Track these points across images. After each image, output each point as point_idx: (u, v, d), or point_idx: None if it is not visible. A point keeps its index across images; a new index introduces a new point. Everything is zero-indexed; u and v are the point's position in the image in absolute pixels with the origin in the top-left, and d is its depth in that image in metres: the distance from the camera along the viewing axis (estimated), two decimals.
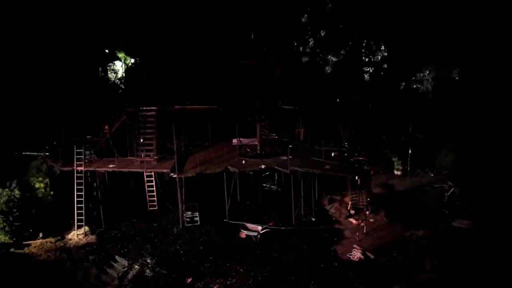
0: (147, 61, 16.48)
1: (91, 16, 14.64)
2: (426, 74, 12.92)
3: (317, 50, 13.10)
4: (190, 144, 14.70)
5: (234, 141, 14.24)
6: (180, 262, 10.39)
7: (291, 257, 10.52)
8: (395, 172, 15.40)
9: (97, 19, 14.85)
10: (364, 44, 12.93)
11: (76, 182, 11.87)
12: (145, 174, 12.95)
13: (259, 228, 11.67)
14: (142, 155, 12.82)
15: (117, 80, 17.35)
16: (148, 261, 10.41)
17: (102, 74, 17.07)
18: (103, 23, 15.03)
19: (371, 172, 12.80)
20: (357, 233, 11.29)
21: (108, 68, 17.39)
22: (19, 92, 13.13)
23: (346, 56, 12.89)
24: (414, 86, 13.03)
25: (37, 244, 10.87)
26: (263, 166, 12.61)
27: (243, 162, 12.83)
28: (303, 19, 13.11)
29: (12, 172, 11.85)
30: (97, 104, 14.74)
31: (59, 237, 11.30)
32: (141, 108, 13.30)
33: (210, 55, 15.31)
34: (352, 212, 12.66)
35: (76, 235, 11.52)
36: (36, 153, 12.66)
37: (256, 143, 13.95)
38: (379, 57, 12.87)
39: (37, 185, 11.94)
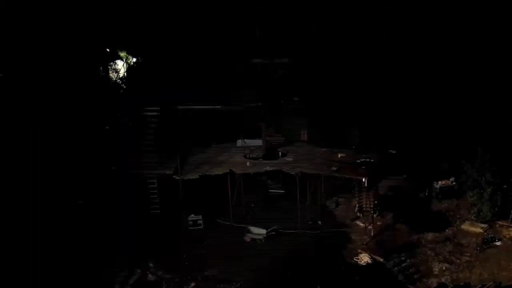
0: (150, 60, 16.36)
1: (92, 15, 14.55)
2: None
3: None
4: (193, 145, 14.66)
5: (239, 142, 14.11)
6: (183, 266, 10.12)
7: (297, 261, 10.25)
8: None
9: (98, 17, 14.75)
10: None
11: None
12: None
13: (264, 231, 11.51)
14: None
15: (119, 80, 17.15)
16: (151, 265, 10.19)
17: (103, 73, 16.88)
18: (104, 21, 14.92)
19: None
20: (364, 236, 11.04)
21: (109, 67, 17.20)
22: (17, 91, 13.01)
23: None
24: None
25: None
26: (268, 168, 12.44)
27: (248, 163, 12.63)
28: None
29: None
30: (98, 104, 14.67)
31: None
32: (143, 108, 13.27)
33: (214, 53, 15.24)
34: (359, 215, 12.40)
35: None
36: None
37: (261, 144, 13.73)
38: None
39: None
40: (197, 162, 12.68)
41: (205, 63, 14.99)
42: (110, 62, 17.44)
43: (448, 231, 11.16)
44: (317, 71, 14.34)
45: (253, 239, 11.30)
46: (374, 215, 11.89)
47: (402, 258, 10.04)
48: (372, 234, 11.15)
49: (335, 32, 13.59)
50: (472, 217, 11.56)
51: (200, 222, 12.09)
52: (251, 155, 13.34)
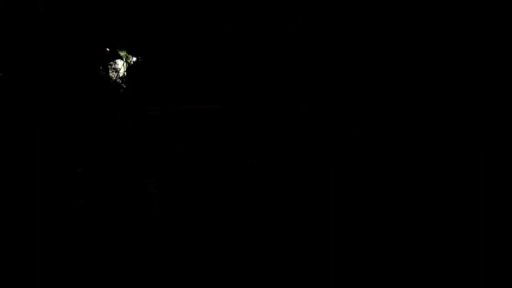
0: (150, 60, 16.40)
1: (92, 14, 14.57)
2: None
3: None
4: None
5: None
6: None
7: None
8: None
9: (98, 17, 14.78)
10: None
11: None
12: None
13: None
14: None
15: (119, 79, 17.17)
16: None
17: (103, 73, 16.91)
18: (104, 21, 14.95)
19: None
20: None
21: (109, 67, 17.23)
22: (17, 91, 13.03)
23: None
24: None
25: None
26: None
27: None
28: None
29: None
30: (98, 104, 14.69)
31: None
32: (143, 108, 13.39)
33: (214, 53, 15.30)
34: None
35: None
36: None
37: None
38: None
39: None
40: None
41: (205, 63, 15.09)
42: (110, 62, 17.50)
43: None
44: (317, 70, 14.46)
45: None
46: None
47: None
48: None
49: (334, 32, 13.71)
50: None
51: None
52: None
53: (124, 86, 16.44)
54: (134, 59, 17.12)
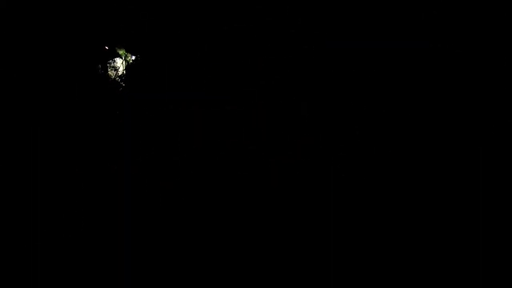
0: (149, 59, 16.38)
1: (90, 12, 14.55)
2: None
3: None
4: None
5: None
6: None
7: None
8: None
9: (97, 15, 14.75)
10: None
11: None
12: None
13: None
14: None
15: (118, 78, 17.16)
16: None
17: (102, 71, 16.89)
18: (102, 19, 14.93)
19: None
20: None
21: (108, 65, 17.21)
22: (16, 90, 13.01)
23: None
24: None
25: None
26: None
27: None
28: None
29: None
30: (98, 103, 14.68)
31: None
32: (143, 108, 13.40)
33: (214, 53, 15.29)
34: None
35: None
36: None
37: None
38: None
39: None
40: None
41: (205, 63, 15.07)
42: (109, 60, 17.45)
43: None
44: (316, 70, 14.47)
45: None
46: None
47: None
48: None
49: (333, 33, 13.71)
50: None
51: None
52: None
53: (123, 85, 16.42)
54: (133, 57, 17.09)
